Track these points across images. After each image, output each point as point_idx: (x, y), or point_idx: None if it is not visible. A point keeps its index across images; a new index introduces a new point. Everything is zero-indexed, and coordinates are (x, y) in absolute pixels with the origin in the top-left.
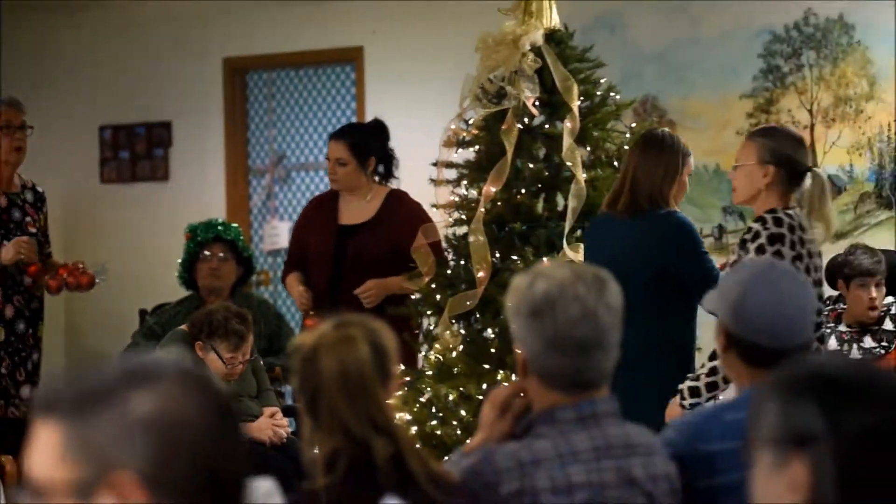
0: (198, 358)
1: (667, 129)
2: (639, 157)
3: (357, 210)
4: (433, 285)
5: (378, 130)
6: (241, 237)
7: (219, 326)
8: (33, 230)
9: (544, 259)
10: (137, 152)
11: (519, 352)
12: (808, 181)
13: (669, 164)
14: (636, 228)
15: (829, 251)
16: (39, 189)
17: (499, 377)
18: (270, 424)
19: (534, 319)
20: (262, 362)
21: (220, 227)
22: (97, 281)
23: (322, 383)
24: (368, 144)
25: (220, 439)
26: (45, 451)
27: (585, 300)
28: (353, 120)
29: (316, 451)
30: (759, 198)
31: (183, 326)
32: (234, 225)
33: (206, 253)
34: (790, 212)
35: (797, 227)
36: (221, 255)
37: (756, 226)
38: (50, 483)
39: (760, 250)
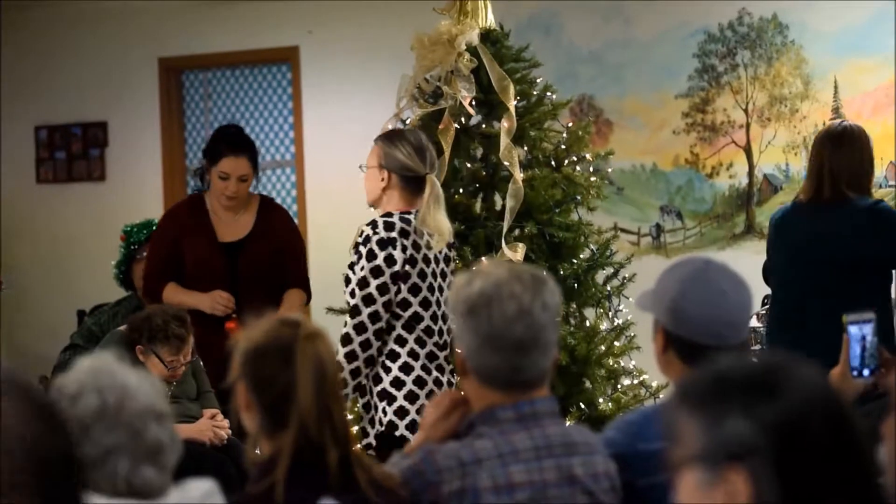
0: (137, 361)
1: (851, 122)
2: (832, 150)
3: (233, 224)
4: None
5: None
6: None
7: (159, 330)
8: None
9: (483, 259)
10: (73, 152)
11: (458, 351)
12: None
13: (865, 153)
14: (844, 216)
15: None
16: None
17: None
18: (211, 426)
19: (470, 317)
20: (201, 363)
21: (153, 227)
22: (1, 290)
23: (295, 380)
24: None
25: (43, 426)
26: None
27: (521, 299)
28: (290, 120)
29: (258, 451)
30: (381, 200)
31: (122, 328)
32: None
33: (142, 254)
34: (408, 216)
35: (412, 231)
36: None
37: (367, 229)
38: None
39: (371, 255)
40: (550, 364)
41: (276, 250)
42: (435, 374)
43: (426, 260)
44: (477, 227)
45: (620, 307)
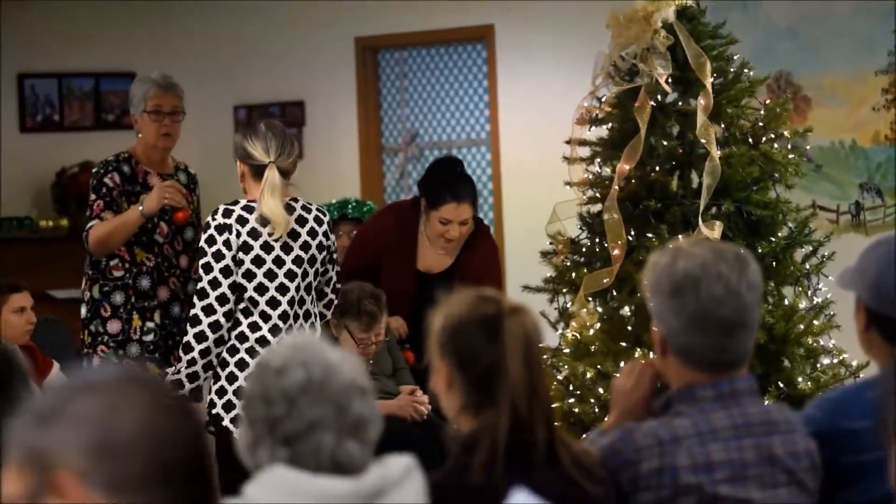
0: (331, 336)
1: None
2: None
3: (435, 257)
4: (568, 263)
5: None
6: (370, 214)
7: (351, 306)
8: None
9: (679, 237)
10: None
11: (656, 330)
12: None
13: None
14: None
15: None
16: (192, 171)
17: (636, 355)
18: (411, 402)
19: (675, 298)
20: (395, 340)
21: (350, 206)
22: None
23: (504, 355)
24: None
25: (165, 431)
26: (9, 471)
27: (728, 279)
28: (486, 99)
29: (460, 428)
30: (244, 190)
31: None
32: (369, 203)
33: (337, 233)
34: (252, 204)
35: (251, 219)
36: (349, 233)
37: (209, 218)
38: (11, 500)
39: (211, 240)
40: (752, 344)
41: (467, 284)
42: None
43: (266, 247)
44: (673, 204)
45: (819, 285)
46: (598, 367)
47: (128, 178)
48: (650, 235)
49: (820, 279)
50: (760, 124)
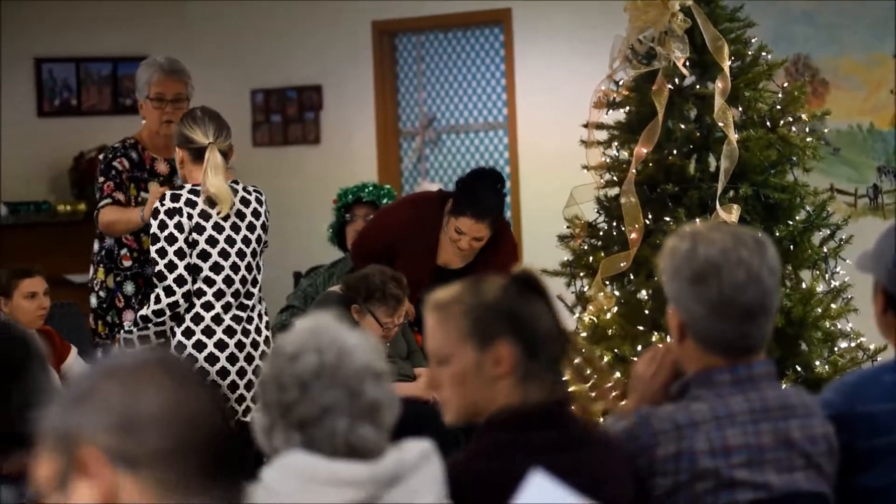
0: (353, 321)
1: None
2: None
3: (454, 253)
4: (585, 247)
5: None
6: (387, 198)
7: (376, 290)
8: None
9: (697, 220)
10: (289, 115)
11: (673, 314)
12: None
13: None
14: None
15: None
16: None
17: (653, 338)
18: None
19: (697, 284)
20: (408, 322)
21: (367, 190)
22: None
23: (556, 319)
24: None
25: (187, 409)
26: (42, 455)
27: (750, 264)
28: (503, 82)
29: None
30: (185, 176)
31: (336, 288)
32: (387, 187)
33: (353, 217)
34: (197, 187)
35: (199, 201)
36: (364, 215)
37: (157, 204)
38: (44, 483)
39: (163, 225)
40: (772, 328)
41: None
42: (239, 336)
43: (217, 227)
44: (691, 188)
45: (837, 269)
46: (616, 350)
47: (136, 164)
48: (667, 219)
49: (837, 262)
50: (778, 107)
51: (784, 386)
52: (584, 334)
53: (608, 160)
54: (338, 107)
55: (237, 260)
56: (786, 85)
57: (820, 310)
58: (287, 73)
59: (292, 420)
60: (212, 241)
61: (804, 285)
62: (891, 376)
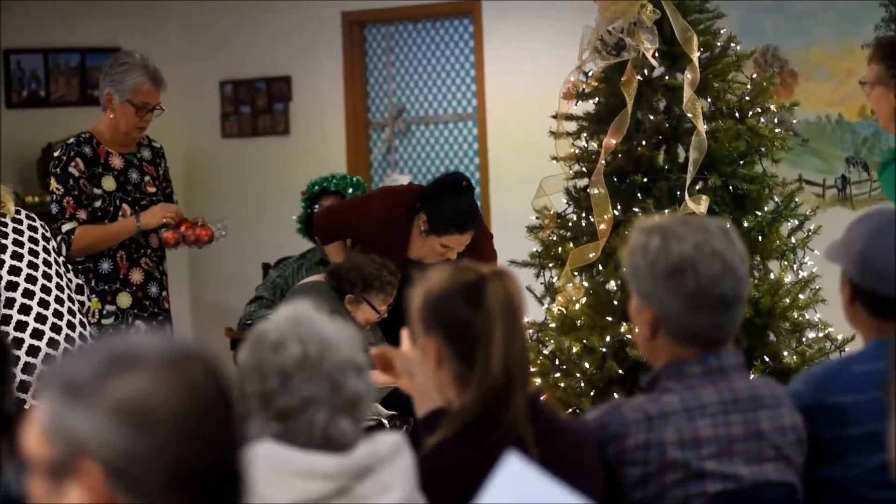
0: (343, 311)
1: None
2: None
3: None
4: (554, 238)
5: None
6: (354, 189)
7: (374, 279)
8: (152, 189)
9: (666, 211)
10: (258, 107)
11: (642, 309)
12: None
13: None
14: None
15: None
16: (156, 144)
17: (622, 329)
18: None
19: (671, 280)
20: None
21: (334, 181)
22: (217, 236)
23: (490, 321)
24: None
25: (202, 433)
26: (35, 428)
27: (723, 255)
28: (472, 73)
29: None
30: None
31: (316, 278)
32: (356, 178)
33: (318, 206)
34: None
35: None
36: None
37: None
38: (32, 459)
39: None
40: (741, 317)
41: None
42: (64, 345)
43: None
44: (660, 179)
45: (805, 259)
46: (584, 341)
47: (89, 160)
48: (636, 210)
49: (806, 253)
50: (747, 98)
51: (753, 377)
52: (553, 325)
53: (577, 151)
54: (307, 97)
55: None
56: (755, 76)
57: (788, 300)
58: (256, 64)
59: (272, 411)
60: (33, 253)
61: (773, 276)
62: (859, 367)
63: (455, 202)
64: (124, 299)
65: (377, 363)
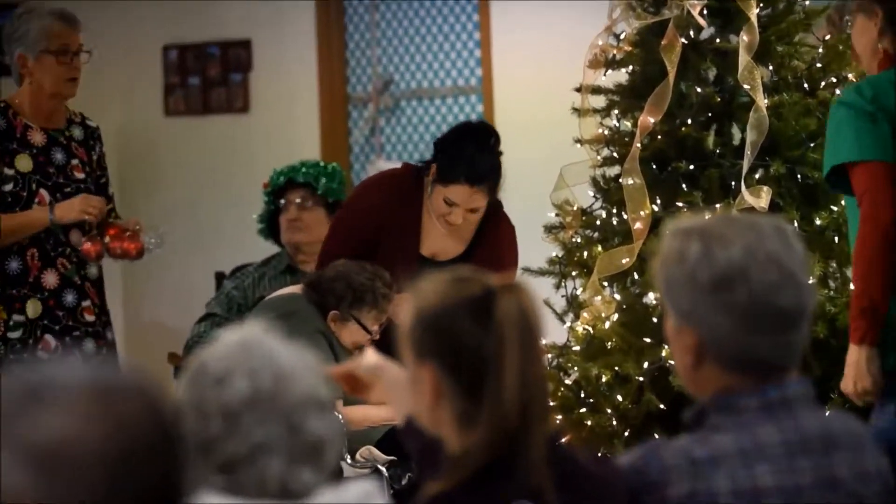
0: (327, 331)
1: None
2: None
3: (443, 239)
4: (578, 240)
5: None
6: (329, 180)
7: (365, 292)
8: (81, 175)
9: (717, 206)
10: (210, 78)
11: (683, 333)
12: None
13: None
14: None
15: None
16: (91, 123)
17: (662, 353)
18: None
19: (719, 293)
20: None
21: (302, 170)
22: (149, 248)
23: (502, 346)
24: None
25: (131, 481)
26: None
27: (780, 259)
28: (476, 37)
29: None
30: None
31: (292, 289)
32: (332, 166)
33: (284, 201)
34: None
35: None
36: (299, 201)
37: None
38: None
39: None
40: (807, 337)
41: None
42: None
43: None
44: (710, 166)
45: None
46: (616, 368)
47: (1, 133)
48: (680, 204)
49: None
50: (818, 66)
51: (826, 412)
52: (577, 348)
53: (606, 132)
54: (271, 67)
55: None
56: (827, 38)
57: None
58: (208, 26)
59: (215, 460)
60: None
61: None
62: None
63: (470, 138)
64: (34, 307)
65: (344, 385)
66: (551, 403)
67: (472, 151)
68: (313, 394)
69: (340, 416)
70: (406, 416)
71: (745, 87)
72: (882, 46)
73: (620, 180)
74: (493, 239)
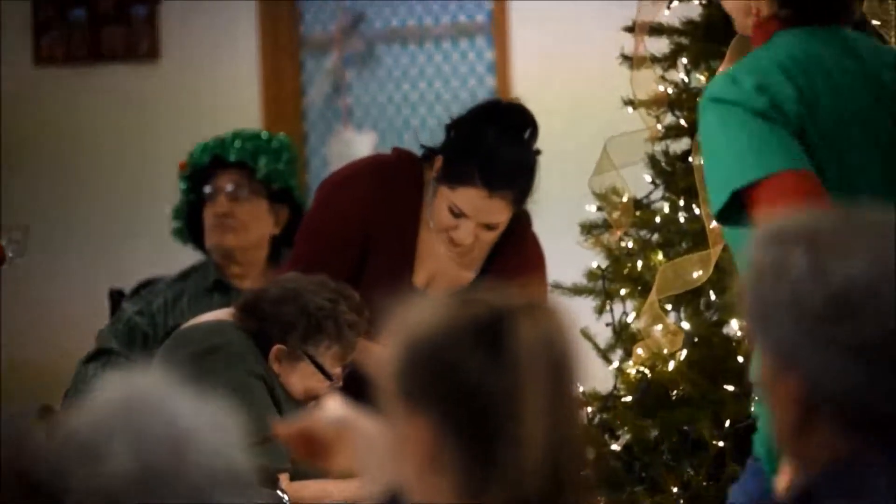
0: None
1: None
2: None
3: (445, 262)
4: (630, 244)
5: None
6: (273, 159)
7: (326, 318)
8: None
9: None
10: (102, 12)
11: (785, 381)
12: None
13: None
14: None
15: None
16: None
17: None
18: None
19: (837, 323)
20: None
21: (235, 145)
22: (8, 256)
23: (520, 387)
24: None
25: None
26: None
27: None
28: None
29: None
30: None
31: (220, 315)
32: (279, 137)
33: (209, 189)
34: None
35: None
36: (231, 188)
37: None
38: None
39: None
40: None
41: None
42: None
43: None
44: None
45: None
46: (686, 427)
47: None
48: None
49: None
50: None
51: None
52: (628, 399)
53: (671, 90)
54: None
55: None
56: None
57: None
58: None
59: None
60: None
61: None
62: None
63: (496, 133)
64: None
65: (296, 448)
66: (591, 474)
67: (493, 142)
68: (226, 466)
69: (285, 496)
70: (386, 488)
71: (874, 22)
72: (755, 5)
73: (690, 159)
74: (513, 266)
